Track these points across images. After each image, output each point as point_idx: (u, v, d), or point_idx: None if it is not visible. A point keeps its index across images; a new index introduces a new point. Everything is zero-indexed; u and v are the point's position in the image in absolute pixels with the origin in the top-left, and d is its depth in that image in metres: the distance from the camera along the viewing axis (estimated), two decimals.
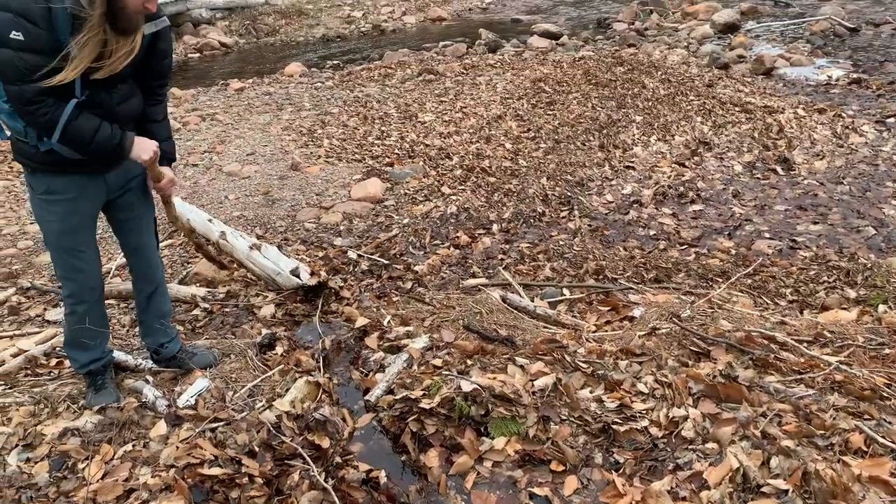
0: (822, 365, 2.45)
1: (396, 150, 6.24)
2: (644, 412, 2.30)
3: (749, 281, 3.72)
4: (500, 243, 4.53)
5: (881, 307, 3.16)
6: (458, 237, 4.57)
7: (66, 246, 2.41)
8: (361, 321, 3.20)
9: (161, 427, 2.43)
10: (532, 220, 4.86)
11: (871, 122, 6.48)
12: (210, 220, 4.43)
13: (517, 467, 2.18)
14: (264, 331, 3.24)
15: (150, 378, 2.81)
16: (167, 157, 2.52)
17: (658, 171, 5.67)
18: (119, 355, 2.89)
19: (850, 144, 5.97)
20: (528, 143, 6.30)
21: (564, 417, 2.31)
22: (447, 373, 2.55)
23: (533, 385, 2.43)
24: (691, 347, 2.66)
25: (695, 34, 11.00)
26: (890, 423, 2.12)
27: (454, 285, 3.87)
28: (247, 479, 2.14)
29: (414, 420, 2.36)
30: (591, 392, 2.44)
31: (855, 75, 8.11)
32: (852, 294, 3.47)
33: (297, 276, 3.66)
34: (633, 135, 6.39)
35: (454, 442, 2.28)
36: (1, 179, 5.94)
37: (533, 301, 3.47)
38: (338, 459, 2.28)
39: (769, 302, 3.45)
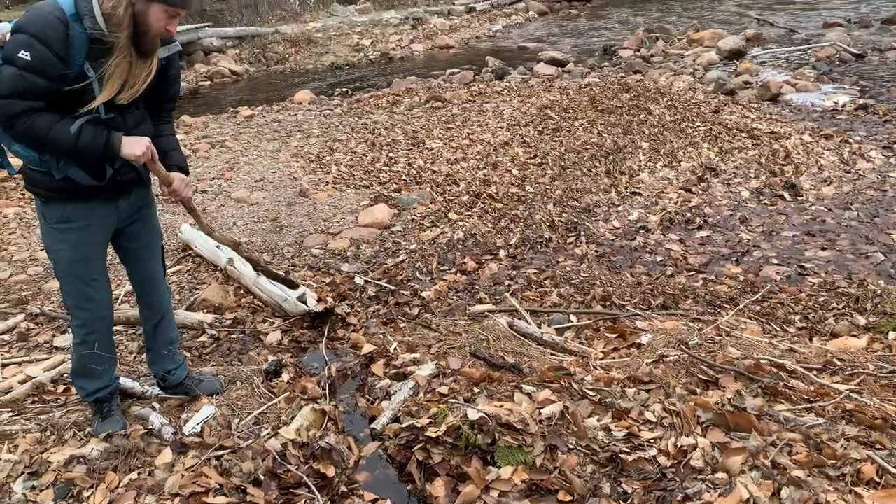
0: (832, 393, 2.42)
1: (404, 177, 6.28)
2: (652, 441, 2.28)
3: (757, 307, 3.70)
4: (507, 269, 4.53)
5: (891, 334, 3.13)
6: (464, 263, 4.58)
7: (79, 275, 2.43)
8: (368, 348, 3.20)
9: (167, 455, 2.42)
10: (539, 246, 4.86)
11: (879, 148, 6.48)
12: (218, 247, 4.46)
13: (524, 497, 2.16)
14: (270, 357, 3.25)
15: (156, 405, 2.82)
16: (178, 166, 2.52)
17: (665, 197, 5.67)
18: (126, 382, 2.89)
19: (858, 170, 5.96)
20: (534, 169, 6.33)
21: (572, 446, 2.29)
22: (453, 401, 2.54)
23: (540, 413, 2.42)
24: (699, 375, 2.64)
25: (700, 61, 11.07)
26: None
27: (461, 311, 3.86)
28: None
29: (420, 449, 2.35)
30: (598, 420, 2.42)
31: (861, 101, 8.12)
32: (862, 321, 3.44)
33: (304, 303, 3.67)
34: (640, 161, 6.41)
35: (460, 471, 2.27)
36: (12, 206, 6.00)
37: (540, 328, 3.46)
38: (343, 488, 2.27)
39: (778, 329, 3.43)
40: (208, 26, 16.27)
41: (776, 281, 4.15)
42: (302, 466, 2.33)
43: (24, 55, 2.04)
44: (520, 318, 3.55)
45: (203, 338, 3.61)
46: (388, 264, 4.58)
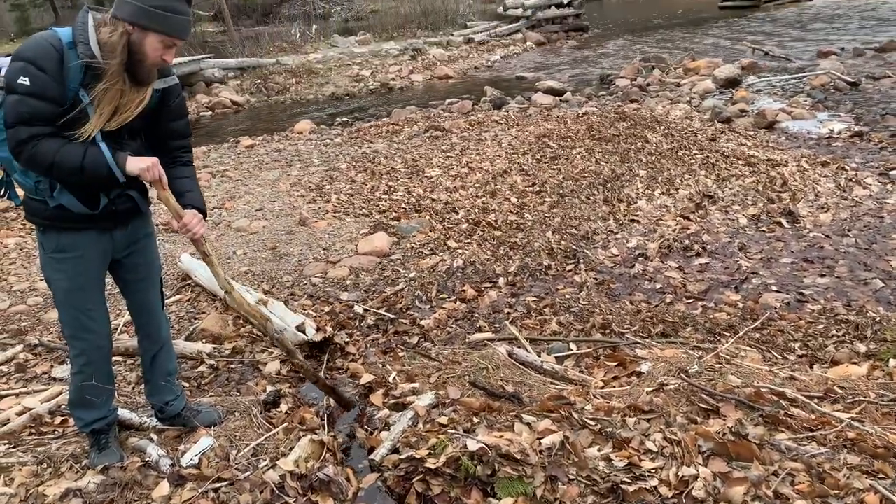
0: (833, 422, 2.41)
1: (403, 205, 6.31)
2: (653, 471, 2.26)
3: (757, 335, 3.69)
4: (507, 297, 4.53)
5: (892, 361, 3.12)
6: (464, 291, 4.58)
7: (76, 304, 2.43)
8: (367, 377, 3.19)
9: (164, 487, 2.40)
10: (538, 274, 4.87)
11: (875, 175, 6.53)
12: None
13: None
14: (269, 388, 3.23)
15: (154, 436, 2.80)
16: (194, 206, 2.47)
17: (663, 225, 5.70)
18: (124, 413, 2.88)
19: (855, 197, 6.00)
20: (533, 197, 6.36)
21: (572, 477, 2.27)
22: (453, 431, 2.52)
23: (540, 443, 2.40)
24: (700, 404, 2.63)
25: (697, 89, 11.20)
26: None
27: (460, 340, 3.86)
28: None
29: (419, 480, 2.32)
30: (599, 450, 2.40)
31: (857, 128, 8.19)
32: (862, 348, 3.43)
33: (303, 332, 3.66)
34: (638, 189, 6.45)
35: (460, 503, 2.24)
36: (13, 236, 6.03)
37: (540, 356, 3.45)
38: None
39: (778, 356, 3.42)
40: (210, 57, 16.49)
41: (776, 308, 4.15)
42: (300, 498, 2.30)
43: (24, 81, 2.08)
44: (519, 347, 3.54)
45: (202, 368, 3.60)
46: (387, 292, 4.58)
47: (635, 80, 12.65)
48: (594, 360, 3.47)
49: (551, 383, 3.08)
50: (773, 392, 2.63)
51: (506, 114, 10.35)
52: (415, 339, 3.90)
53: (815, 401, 2.59)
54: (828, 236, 5.26)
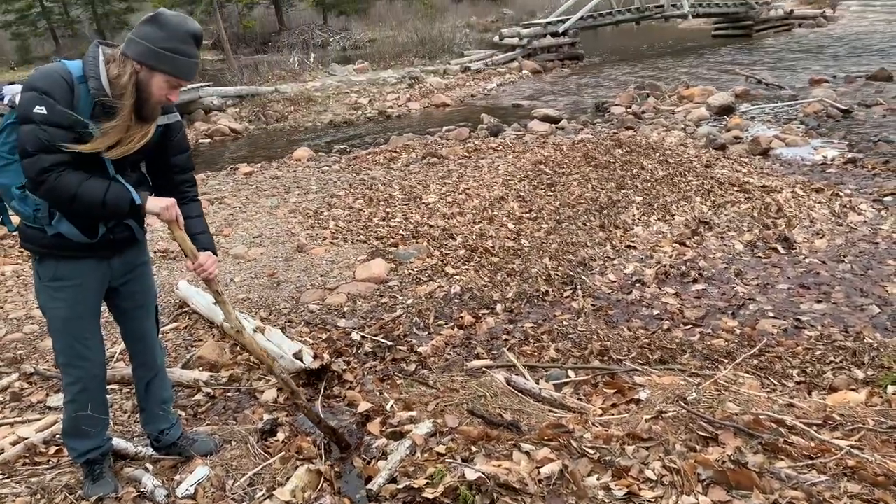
0: (833, 450, 2.40)
1: (401, 231, 6.33)
2: (653, 500, 2.25)
3: (755, 361, 3.69)
4: (504, 323, 4.53)
5: (890, 388, 3.12)
6: (461, 317, 4.58)
7: (73, 333, 2.43)
8: (364, 406, 3.17)
9: None
10: (535, 300, 4.87)
11: (869, 201, 6.58)
12: (215, 304, 4.46)
13: None
14: (266, 416, 3.21)
15: (149, 466, 2.77)
16: (206, 248, 2.51)
17: (659, 251, 5.72)
18: (118, 443, 2.85)
19: (849, 223, 6.03)
20: (530, 223, 6.39)
21: None
22: (451, 460, 2.51)
23: (539, 472, 2.39)
24: (699, 431, 2.62)
25: (691, 116, 11.32)
26: None
27: (458, 367, 3.85)
28: None
29: None
30: (598, 479, 2.39)
31: (850, 155, 8.27)
32: (860, 375, 3.43)
33: (300, 360, 3.65)
34: (634, 215, 6.48)
35: None
36: (10, 264, 6.02)
37: (538, 383, 3.44)
38: None
39: (776, 383, 3.42)
40: (209, 85, 16.66)
41: (773, 334, 4.15)
42: None
43: (40, 109, 2.10)
44: (517, 374, 3.53)
45: (198, 396, 3.57)
46: (384, 319, 4.57)
47: (630, 107, 12.79)
48: (592, 388, 3.47)
49: (550, 411, 3.07)
50: (771, 419, 2.63)
51: (502, 141, 10.44)
52: (412, 367, 3.89)
53: (815, 428, 2.59)
54: (823, 262, 5.28)
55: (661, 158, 8.13)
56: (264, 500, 2.44)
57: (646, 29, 28.86)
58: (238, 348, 4.06)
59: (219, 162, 11.47)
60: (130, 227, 2.48)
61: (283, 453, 2.80)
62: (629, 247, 5.83)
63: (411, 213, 6.86)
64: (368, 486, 2.51)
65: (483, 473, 2.32)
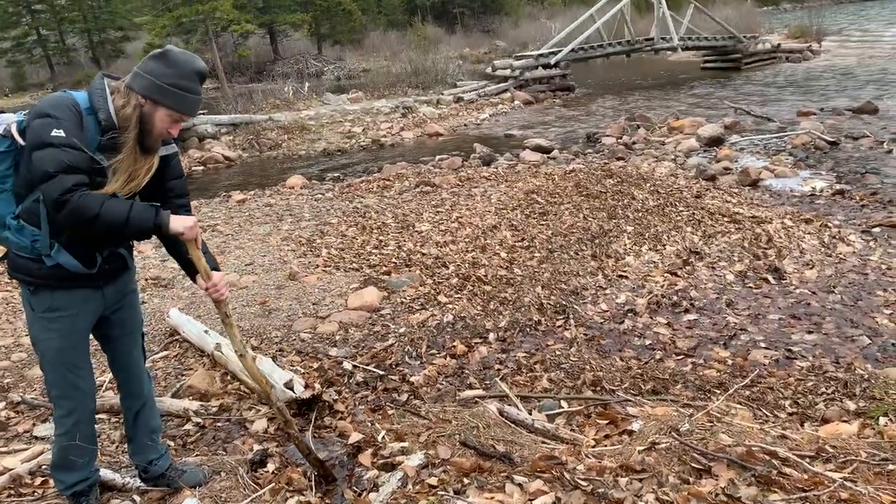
0: (826, 482, 2.39)
1: (394, 259, 6.34)
2: None
3: (747, 392, 3.69)
4: (497, 353, 4.52)
5: (882, 420, 3.12)
6: (454, 346, 4.56)
7: (67, 363, 2.40)
8: (355, 436, 3.15)
9: None
10: (528, 329, 4.87)
11: (858, 232, 6.65)
12: (206, 332, 4.44)
13: None
14: (256, 447, 3.18)
15: (137, 497, 2.73)
16: (211, 268, 2.52)
17: (651, 281, 5.75)
18: (106, 474, 2.82)
19: (839, 254, 6.09)
20: (522, 252, 6.42)
21: None
22: (443, 492, 2.48)
23: None
24: (692, 463, 2.61)
25: (681, 147, 11.45)
26: None
27: (450, 397, 3.83)
28: None
29: None
30: None
31: (838, 186, 8.38)
32: (852, 406, 3.44)
33: (291, 389, 3.63)
34: (625, 244, 6.52)
35: None
36: (0, 291, 5.98)
37: (531, 414, 3.42)
38: None
39: (769, 414, 3.41)
40: (203, 113, 16.74)
41: (765, 365, 4.16)
42: None
43: (58, 132, 2.10)
44: (510, 404, 3.52)
45: (188, 426, 3.53)
46: (376, 348, 4.55)
47: (621, 138, 12.93)
48: (585, 418, 3.45)
49: (543, 442, 3.05)
50: (764, 451, 2.62)
51: (495, 170, 10.52)
52: (404, 397, 3.87)
53: (807, 460, 2.58)
54: (814, 293, 5.32)
55: (652, 189, 8.20)
56: None
57: (636, 61, 29.33)
58: (228, 377, 4.04)
59: (212, 189, 11.49)
60: (123, 257, 2.49)
61: (273, 484, 2.77)
62: (621, 276, 5.86)
63: (404, 241, 6.88)
64: None
65: None
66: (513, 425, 3.20)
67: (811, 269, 5.79)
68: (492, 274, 5.88)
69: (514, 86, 21.69)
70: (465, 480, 2.58)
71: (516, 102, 20.32)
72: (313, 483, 2.80)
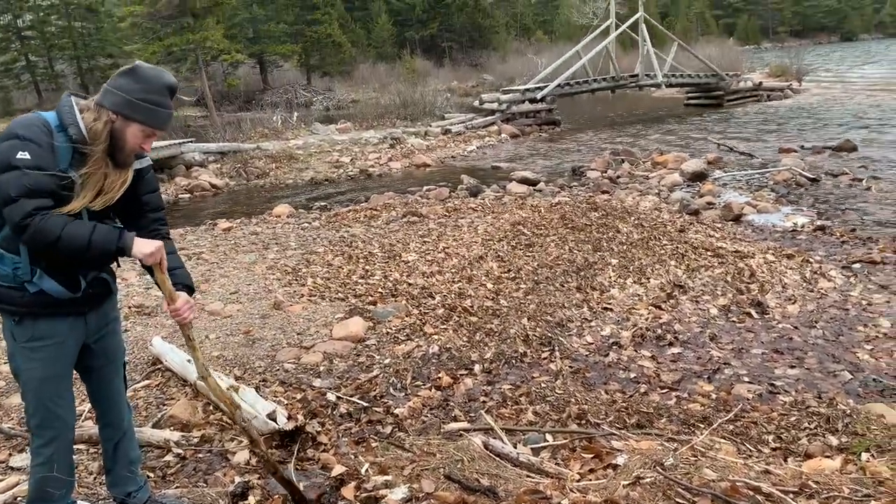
0: None
1: (380, 289, 6.33)
2: None
3: (731, 426, 3.70)
4: (482, 384, 4.50)
5: (864, 455, 3.14)
6: (439, 378, 4.54)
7: (49, 393, 2.37)
8: (338, 469, 3.11)
9: None
10: (514, 361, 4.86)
11: (838, 268, 6.74)
12: (189, 361, 4.39)
13: None
14: (237, 479, 3.13)
15: None
16: (184, 285, 2.49)
17: (635, 313, 5.77)
18: None
19: (820, 289, 6.17)
20: (508, 283, 6.44)
21: None
22: None
23: None
24: (676, 499, 2.60)
25: (665, 182, 11.61)
26: None
27: (435, 430, 3.80)
28: None
29: None
30: None
31: (819, 222, 8.52)
32: (834, 441, 3.45)
33: (274, 420, 3.58)
34: (610, 277, 6.57)
35: None
36: None
37: (516, 447, 3.41)
38: None
39: (752, 449, 3.42)
40: (191, 141, 16.78)
41: (748, 399, 4.17)
42: None
43: (24, 155, 2.10)
44: (495, 437, 3.50)
45: (168, 457, 3.47)
46: (361, 379, 4.52)
47: (606, 172, 13.10)
48: (570, 452, 3.44)
49: (527, 476, 3.03)
50: (748, 486, 2.63)
51: (481, 201, 10.59)
52: (388, 429, 3.84)
53: (791, 496, 2.59)
54: (796, 328, 5.37)
55: (637, 222, 8.29)
56: None
57: (621, 97, 29.86)
58: (211, 407, 3.98)
59: (198, 217, 11.45)
60: (106, 282, 2.47)
61: None
62: (606, 309, 5.89)
63: (390, 270, 6.88)
64: None
65: None
66: (498, 459, 3.18)
67: (793, 303, 5.85)
68: (478, 305, 5.89)
69: (501, 119, 21.97)
70: None
71: (503, 135, 20.56)
72: None
